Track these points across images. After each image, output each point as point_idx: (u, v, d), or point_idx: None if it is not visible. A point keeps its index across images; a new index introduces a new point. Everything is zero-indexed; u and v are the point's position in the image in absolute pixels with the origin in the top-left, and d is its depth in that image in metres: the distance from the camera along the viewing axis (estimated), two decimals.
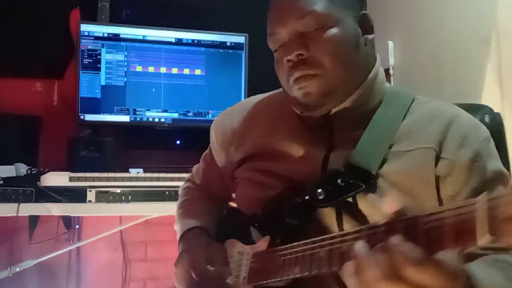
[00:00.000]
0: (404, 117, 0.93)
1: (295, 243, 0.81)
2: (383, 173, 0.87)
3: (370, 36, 0.95)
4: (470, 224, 0.53)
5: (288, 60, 0.91)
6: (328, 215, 0.88)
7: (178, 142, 2.39)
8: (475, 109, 1.24)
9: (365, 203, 0.87)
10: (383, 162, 0.88)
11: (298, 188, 0.90)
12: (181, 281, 1.00)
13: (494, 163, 0.90)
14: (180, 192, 1.24)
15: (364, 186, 0.85)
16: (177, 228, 1.13)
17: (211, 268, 0.93)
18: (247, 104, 1.12)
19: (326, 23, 0.89)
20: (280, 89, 1.09)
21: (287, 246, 0.83)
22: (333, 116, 0.94)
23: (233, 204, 1.12)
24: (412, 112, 0.95)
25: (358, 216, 0.87)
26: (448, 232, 0.55)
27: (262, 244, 0.93)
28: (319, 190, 0.86)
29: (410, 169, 0.87)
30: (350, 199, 0.87)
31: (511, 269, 0.78)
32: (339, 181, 0.86)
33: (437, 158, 0.87)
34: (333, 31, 0.89)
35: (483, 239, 0.51)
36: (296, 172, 0.94)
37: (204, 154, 1.21)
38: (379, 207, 0.82)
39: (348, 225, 0.87)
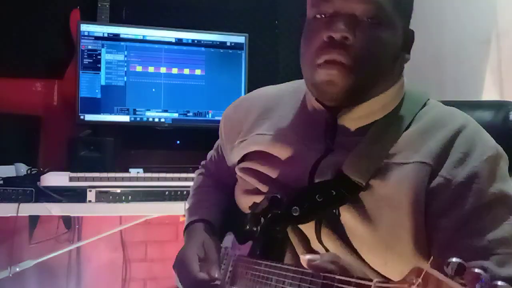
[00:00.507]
0: (409, 125, 0.87)
1: (264, 263, 0.80)
2: (373, 184, 0.82)
3: (407, 56, 0.90)
4: None
5: (329, 37, 0.81)
6: (308, 227, 0.86)
7: (178, 142, 2.39)
8: (497, 105, 1.17)
9: (349, 215, 0.83)
10: (376, 173, 0.82)
11: (279, 198, 0.86)
12: (178, 280, 1.02)
13: (497, 186, 0.79)
14: (194, 179, 1.23)
15: (349, 197, 0.81)
16: (186, 216, 1.13)
17: (202, 273, 0.94)
18: (256, 97, 1.08)
19: (383, 21, 0.82)
20: (291, 82, 1.06)
21: (258, 262, 0.82)
22: (341, 117, 0.89)
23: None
24: (418, 118, 0.88)
25: (338, 230, 0.84)
26: None
27: (246, 248, 0.93)
28: (294, 207, 0.82)
29: (401, 183, 0.80)
30: (334, 210, 0.83)
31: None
32: (317, 196, 0.82)
33: (433, 175, 0.80)
34: (386, 33, 0.83)
35: None
36: (283, 176, 0.91)
37: (216, 142, 1.19)
38: (362, 221, 0.81)
39: (327, 238, 0.84)
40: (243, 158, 1.02)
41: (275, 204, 0.85)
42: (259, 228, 0.87)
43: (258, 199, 0.90)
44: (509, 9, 1.69)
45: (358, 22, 0.81)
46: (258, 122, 1.01)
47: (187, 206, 1.17)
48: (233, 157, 1.05)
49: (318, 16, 0.85)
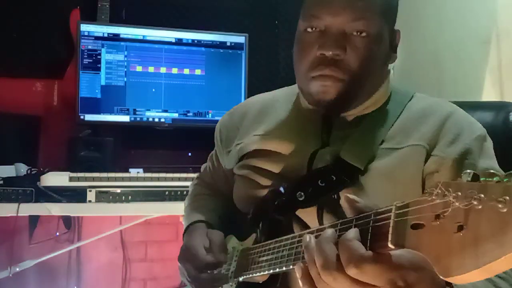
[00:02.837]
0: (399, 115, 0.93)
1: (266, 242, 0.84)
2: (371, 169, 0.87)
3: (394, 55, 0.96)
4: (384, 230, 0.56)
5: (322, 54, 0.88)
6: (310, 213, 0.90)
7: (178, 142, 2.39)
8: (498, 106, 1.19)
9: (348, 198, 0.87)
10: (373, 158, 0.88)
11: (284, 188, 0.91)
12: (182, 273, 1.02)
13: (487, 162, 0.87)
14: (189, 189, 1.26)
15: (348, 181, 0.86)
16: (183, 223, 1.15)
17: (209, 256, 0.95)
18: (250, 103, 1.13)
19: (372, 36, 0.88)
20: (284, 88, 1.11)
21: (260, 244, 0.86)
22: (336, 117, 0.95)
23: None
24: (408, 109, 0.94)
25: (339, 214, 0.86)
26: (368, 235, 0.59)
27: (250, 241, 0.96)
28: (299, 192, 0.88)
29: (398, 166, 0.87)
30: (333, 195, 0.88)
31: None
32: (319, 182, 0.87)
33: (427, 156, 0.87)
34: (373, 44, 0.89)
35: (390, 247, 0.55)
36: (286, 170, 0.95)
37: (210, 154, 1.22)
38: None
39: (328, 222, 0.87)
40: (242, 159, 1.04)
41: (279, 194, 0.90)
42: (263, 218, 0.92)
43: (260, 195, 0.94)
44: (509, 9, 1.69)
45: (348, 38, 0.88)
46: (254, 125, 1.05)
47: (184, 214, 1.18)
48: (231, 160, 1.08)
49: (310, 30, 0.91)
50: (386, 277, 0.58)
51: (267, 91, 1.16)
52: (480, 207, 0.46)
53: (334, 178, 0.87)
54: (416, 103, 0.96)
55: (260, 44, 2.52)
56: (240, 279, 0.92)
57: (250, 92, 2.27)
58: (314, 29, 0.90)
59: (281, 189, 0.91)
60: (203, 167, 1.26)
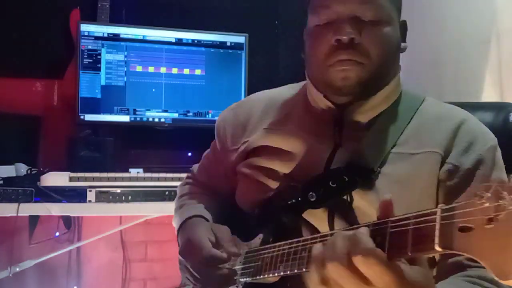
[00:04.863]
0: (411, 119, 0.93)
1: (279, 243, 0.83)
2: (386, 172, 0.87)
3: (403, 44, 0.96)
4: (428, 233, 0.56)
5: (337, 40, 0.87)
6: (319, 217, 0.89)
7: (178, 142, 2.38)
8: (498, 107, 1.20)
9: (362, 201, 0.87)
10: (385, 162, 0.88)
11: (294, 188, 0.91)
12: (183, 269, 0.98)
13: (498, 174, 0.88)
14: (178, 191, 1.20)
15: (361, 182, 0.86)
16: (175, 222, 1.10)
17: (215, 250, 0.92)
18: (256, 99, 1.10)
19: (383, 19, 0.89)
20: (287, 85, 1.09)
21: (273, 245, 0.85)
22: (347, 111, 0.93)
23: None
24: (420, 114, 0.94)
25: (350, 217, 0.87)
26: (408, 237, 0.58)
27: (256, 242, 0.94)
28: (311, 193, 0.87)
29: (414, 172, 0.87)
30: (345, 197, 0.88)
31: (481, 283, 0.78)
32: (330, 183, 0.87)
33: (442, 162, 0.87)
34: (387, 29, 0.89)
35: (437, 249, 0.55)
36: (298, 170, 0.93)
37: (206, 152, 1.18)
38: (375, 205, 0.83)
39: (339, 226, 0.87)
40: (248, 156, 1.02)
41: (290, 194, 0.90)
42: (271, 218, 0.91)
43: (266, 197, 0.93)
44: (509, 9, 1.69)
45: (361, 23, 0.87)
46: (262, 121, 1.03)
47: (174, 215, 1.12)
48: (238, 157, 1.04)
49: (321, 23, 0.90)
50: (388, 280, 0.59)
51: None
52: None
53: (346, 179, 0.86)
54: (428, 108, 0.95)
55: (260, 44, 2.52)
56: (250, 279, 0.89)
57: (250, 92, 2.23)
58: (325, 22, 0.89)
59: (291, 190, 0.90)
60: (195, 167, 1.21)
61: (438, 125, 0.91)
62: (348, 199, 0.87)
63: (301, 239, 0.78)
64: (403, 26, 0.96)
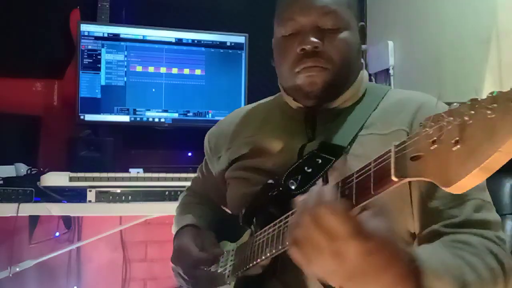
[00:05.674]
0: (377, 106, 0.99)
1: (264, 229, 0.87)
2: (358, 153, 0.91)
3: (364, 46, 1.05)
4: (386, 168, 0.62)
5: (302, 49, 0.95)
6: None
7: (178, 142, 2.38)
8: None
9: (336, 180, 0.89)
10: (353, 142, 0.93)
11: (276, 181, 0.95)
12: (176, 274, 1.04)
13: None
14: (179, 200, 1.29)
15: (333, 159, 0.91)
16: (174, 231, 1.18)
17: (202, 252, 0.98)
18: (239, 112, 1.17)
19: (342, 25, 0.97)
20: (270, 97, 1.17)
21: (258, 233, 0.90)
22: (319, 111, 1.00)
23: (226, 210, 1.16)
24: (385, 100, 1.00)
25: None
26: (370, 179, 0.65)
27: (245, 237, 0.98)
28: (290, 181, 0.91)
29: (387, 149, 0.89)
30: (322, 179, 0.91)
31: (464, 248, 0.80)
32: (306, 168, 0.92)
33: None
34: (346, 34, 0.97)
35: (394, 180, 0.61)
36: (277, 165, 0.98)
37: (200, 166, 1.26)
38: None
39: None
40: (234, 162, 1.07)
41: (271, 186, 0.94)
42: (258, 212, 0.95)
43: (253, 192, 0.97)
44: (509, 9, 1.69)
45: (322, 32, 0.96)
46: (242, 130, 1.11)
47: (174, 222, 1.20)
48: (221, 165, 1.10)
49: (287, 34, 0.99)
50: (347, 230, 0.63)
51: (267, 91, 1.19)
52: (471, 121, 0.52)
53: (320, 161, 0.91)
54: (392, 95, 1.02)
55: (260, 44, 2.52)
56: (240, 272, 0.93)
57: (250, 92, 2.27)
58: (290, 33, 0.98)
59: (272, 181, 0.94)
60: (192, 180, 1.30)
61: (402, 107, 0.96)
62: (325, 181, 0.91)
63: (285, 215, 0.82)
64: (362, 30, 1.04)
